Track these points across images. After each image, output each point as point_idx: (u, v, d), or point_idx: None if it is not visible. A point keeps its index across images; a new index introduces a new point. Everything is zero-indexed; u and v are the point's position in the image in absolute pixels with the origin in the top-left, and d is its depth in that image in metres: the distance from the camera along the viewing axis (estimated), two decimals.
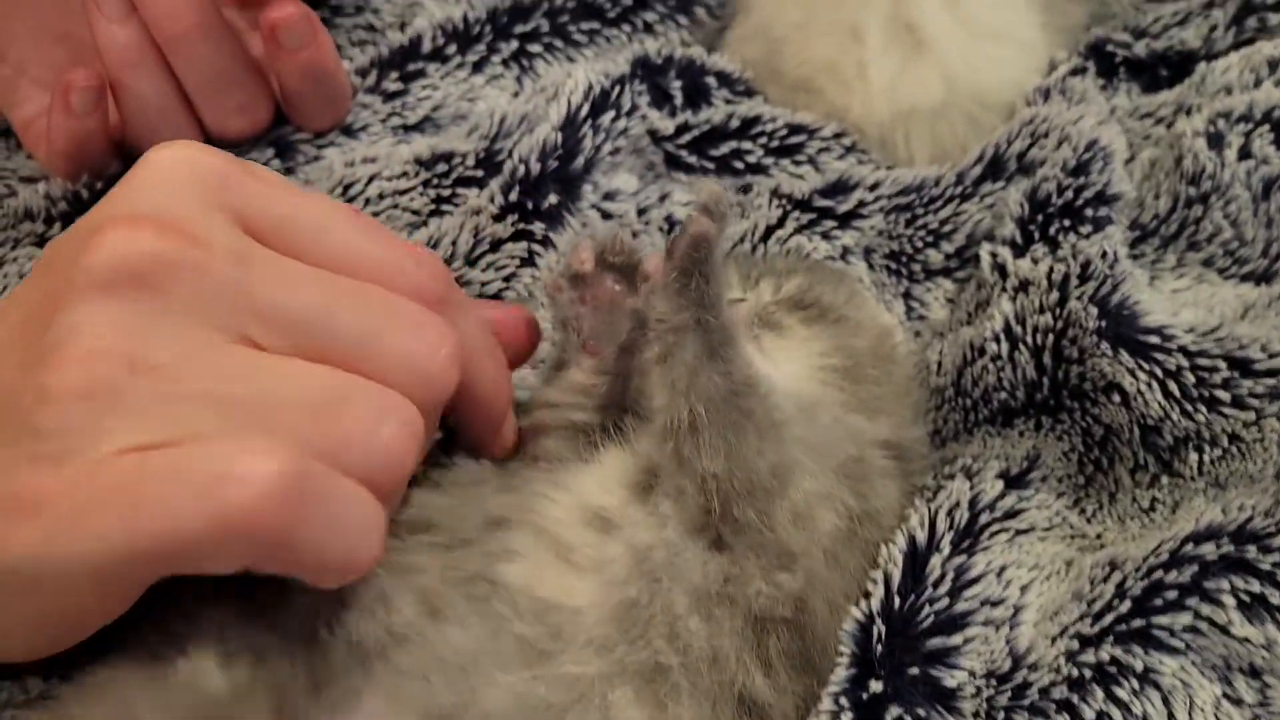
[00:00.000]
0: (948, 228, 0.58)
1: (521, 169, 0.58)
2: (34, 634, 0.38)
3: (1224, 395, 0.46)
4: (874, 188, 0.60)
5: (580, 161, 0.60)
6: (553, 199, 0.59)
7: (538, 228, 0.58)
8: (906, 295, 0.58)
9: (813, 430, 0.43)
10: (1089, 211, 0.53)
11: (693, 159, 0.64)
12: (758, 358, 0.47)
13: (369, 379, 0.38)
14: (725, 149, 0.64)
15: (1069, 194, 0.54)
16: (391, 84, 0.67)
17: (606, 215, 0.62)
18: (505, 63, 0.69)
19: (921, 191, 0.59)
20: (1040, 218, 0.54)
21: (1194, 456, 0.47)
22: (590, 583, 0.41)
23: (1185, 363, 0.47)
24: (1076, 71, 0.65)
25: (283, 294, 0.38)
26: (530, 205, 0.58)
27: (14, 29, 0.63)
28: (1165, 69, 0.67)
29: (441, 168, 0.61)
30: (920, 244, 0.58)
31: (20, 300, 0.39)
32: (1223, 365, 0.46)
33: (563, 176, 0.59)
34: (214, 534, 0.33)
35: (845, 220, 0.59)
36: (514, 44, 0.69)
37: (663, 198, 0.64)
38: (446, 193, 0.61)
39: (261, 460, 0.33)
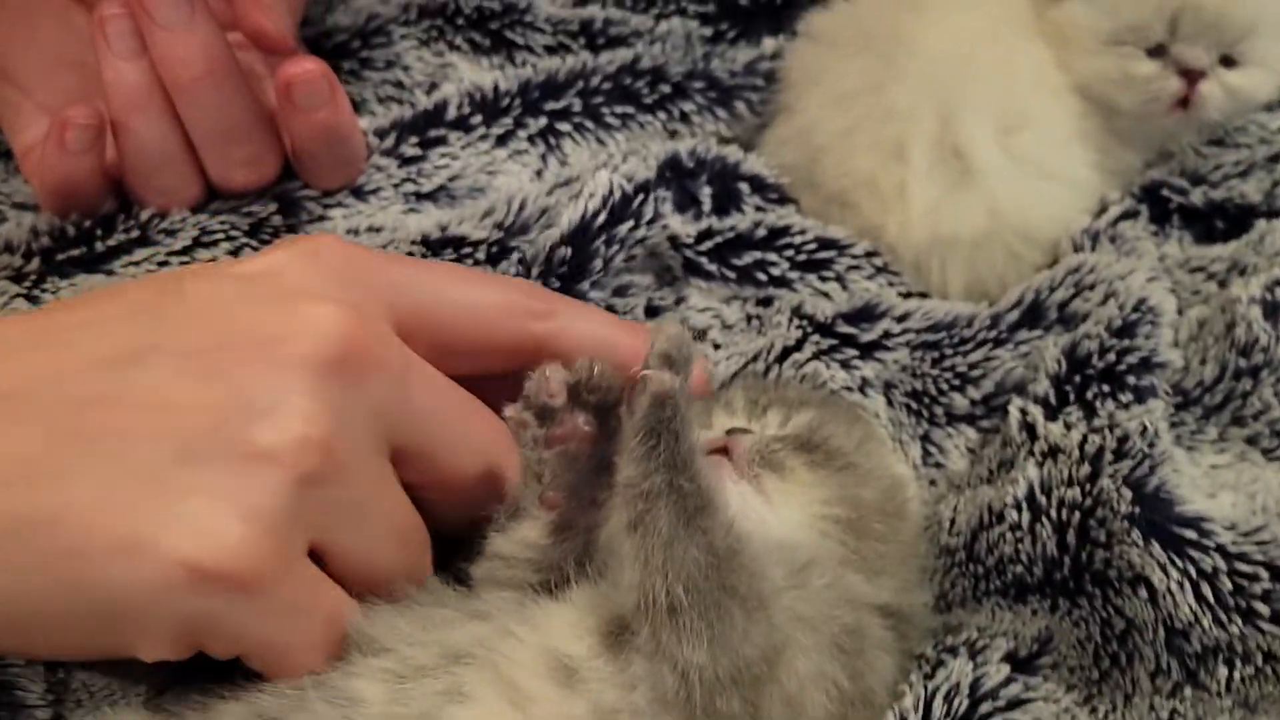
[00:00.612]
0: (977, 372, 0.54)
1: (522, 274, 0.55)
2: None
3: (1263, 608, 0.42)
4: (902, 319, 0.56)
5: (586, 284, 0.56)
6: None
7: None
8: (925, 439, 0.55)
9: (806, 599, 0.39)
10: (1131, 379, 0.49)
11: (713, 266, 0.61)
12: (754, 503, 0.43)
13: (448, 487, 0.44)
14: (749, 259, 0.60)
15: (1111, 356, 0.50)
16: (410, 148, 0.64)
17: (614, 313, 0.59)
18: (531, 139, 0.66)
19: (953, 330, 0.55)
20: (1078, 378, 0.50)
21: (1223, 671, 0.42)
22: None
23: (1223, 565, 0.43)
24: (1129, 215, 0.62)
25: (427, 404, 0.43)
26: None
27: (26, 52, 0.61)
28: (1222, 221, 0.63)
29: (449, 255, 0.58)
30: (946, 386, 0.54)
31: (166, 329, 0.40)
32: (1264, 574, 0.42)
33: (564, 292, 0.55)
34: None
35: (868, 350, 0.56)
36: (543, 120, 0.66)
37: (679, 300, 0.61)
38: None
39: None
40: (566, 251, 0.56)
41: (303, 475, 0.38)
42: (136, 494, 0.36)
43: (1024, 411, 0.50)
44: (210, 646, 0.39)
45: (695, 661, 0.37)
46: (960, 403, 0.54)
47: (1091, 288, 0.54)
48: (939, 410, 0.54)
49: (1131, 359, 0.50)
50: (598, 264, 0.57)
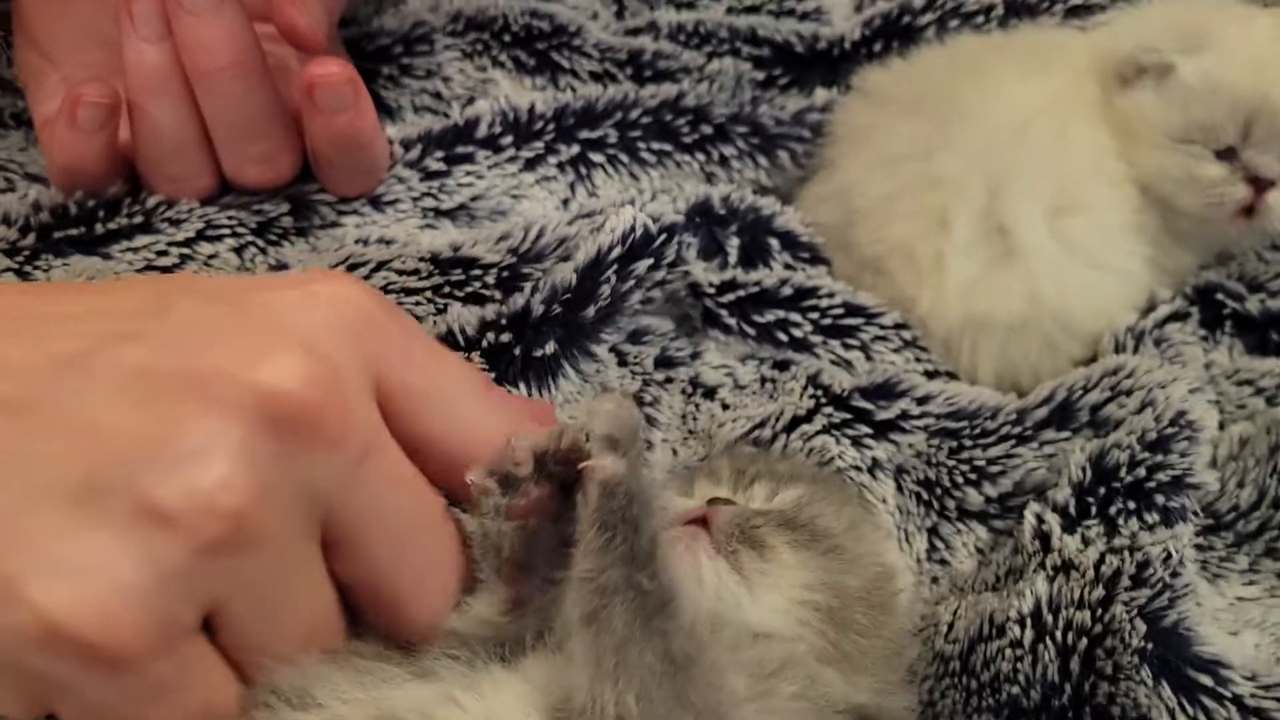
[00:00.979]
0: (996, 469, 0.51)
1: (520, 303, 0.53)
2: None
3: None
4: (924, 401, 0.53)
5: (591, 311, 0.53)
6: (549, 348, 0.52)
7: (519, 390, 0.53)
8: (932, 532, 0.51)
9: (770, 711, 0.36)
10: (1160, 498, 0.45)
11: (733, 320, 0.58)
12: (728, 583, 0.40)
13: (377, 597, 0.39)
14: (771, 317, 0.57)
15: (1141, 471, 0.46)
16: (435, 162, 0.62)
17: (623, 360, 0.56)
18: (562, 166, 0.63)
19: (976, 420, 0.52)
20: (1103, 490, 0.46)
21: None
22: None
23: (1238, 718, 0.39)
24: (1178, 316, 0.58)
25: (378, 501, 0.37)
26: (519, 351, 0.52)
27: (59, 23, 0.59)
28: (1277, 333, 0.59)
29: (457, 274, 0.55)
30: (961, 479, 0.51)
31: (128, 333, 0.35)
32: None
33: (568, 323, 0.53)
34: None
35: (883, 430, 0.52)
36: (575, 148, 0.63)
37: (695, 354, 0.58)
38: (457, 306, 0.55)
39: None
40: (572, 278, 0.53)
41: (202, 544, 0.33)
42: (19, 521, 0.32)
43: (1040, 519, 0.47)
44: (60, 712, 0.35)
45: None
46: (974, 499, 0.51)
47: (1129, 393, 0.50)
48: (951, 504, 0.51)
49: (1163, 476, 0.46)
50: (605, 291, 0.54)
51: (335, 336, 0.37)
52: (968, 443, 0.51)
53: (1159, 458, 0.47)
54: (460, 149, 0.62)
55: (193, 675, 0.35)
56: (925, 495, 0.51)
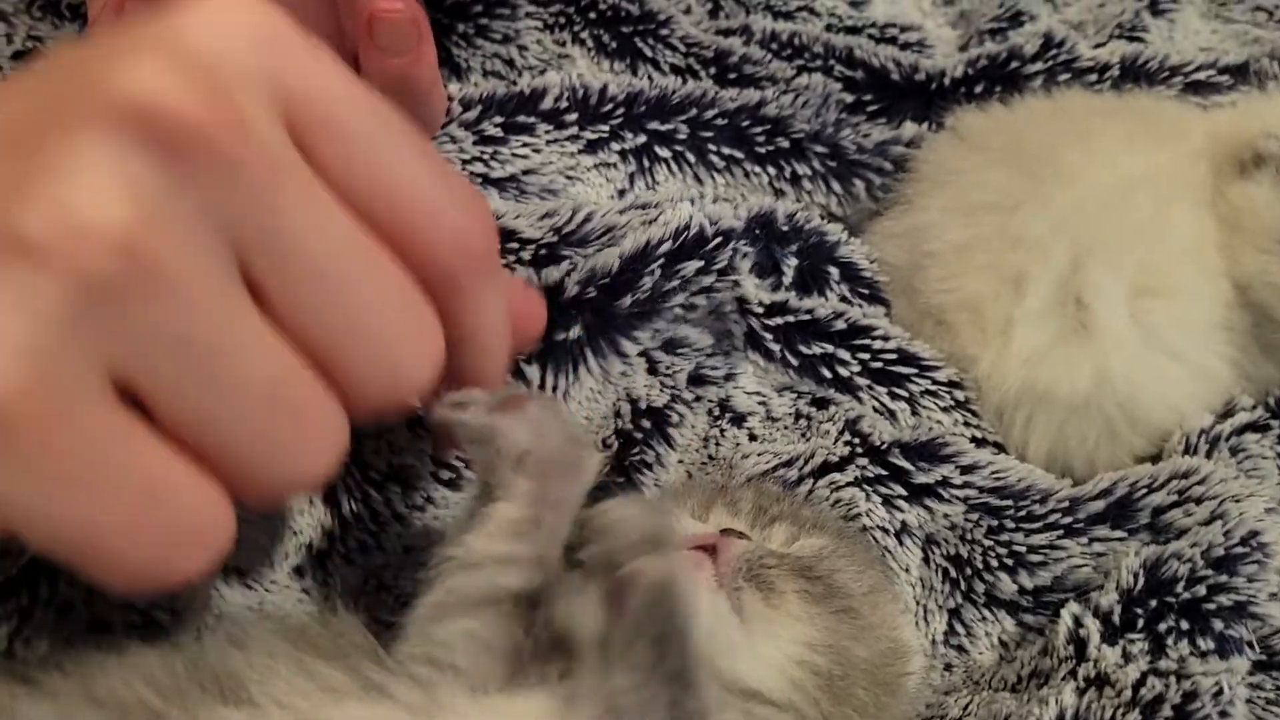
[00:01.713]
0: (1036, 558, 0.46)
1: (554, 277, 0.49)
2: None
3: None
4: (968, 470, 0.48)
5: (628, 301, 0.49)
6: (575, 332, 0.48)
7: (531, 371, 0.49)
8: (954, 614, 0.47)
9: None
10: (1219, 624, 0.41)
11: (776, 347, 0.53)
12: (727, 623, 0.36)
13: (331, 374, 0.31)
14: (818, 349, 0.53)
15: (1201, 589, 0.42)
16: (492, 128, 0.58)
17: (654, 368, 0.52)
18: (624, 154, 0.59)
19: (1022, 501, 0.47)
20: (1154, 602, 0.42)
21: None
22: None
23: None
24: (1257, 427, 0.53)
25: (302, 236, 0.31)
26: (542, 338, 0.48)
27: None
28: None
29: None
30: (995, 562, 0.46)
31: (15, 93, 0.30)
32: None
33: (600, 310, 0.49)
34: None
35: (919, 494, 0.48)
36: (642, 138, 0.59)
37: (729, 376, 0.53)
38: None
39: None
40: (615, 263, 0.49)
41: (86, 281, 0.27)
42: None
43: (1079, 621, 0.42)
44: None
45: None
46: (1007, 586, 0.46)
47: (1198, 501, 0.45)
48: (980, 587, 0.46)
49: (1225, 600, 0.41)
50: (646, 284, 0.50)
51: (224, 44, 0.30)
52: (1010, 524, 0.47)
53: (1223, 578, 0.42)
54: (521, 118, 0.58)
55: (114, 457, 0.29)
56: (953, 573, 0.47)
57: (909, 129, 0.64)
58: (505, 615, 0.35)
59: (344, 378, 0.32)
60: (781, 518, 0.42)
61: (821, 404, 0.53)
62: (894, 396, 0.53)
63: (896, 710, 0.39)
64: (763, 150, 0.60)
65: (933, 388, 0.54)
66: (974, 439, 0.53)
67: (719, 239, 0.52)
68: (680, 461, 0.51)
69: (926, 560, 0.47)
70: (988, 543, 0.46)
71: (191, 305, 0.29)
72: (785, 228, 0.55)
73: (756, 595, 0.37)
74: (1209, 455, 0.50)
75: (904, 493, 0.48)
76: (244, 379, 0.30)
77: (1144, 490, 0.46)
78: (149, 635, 0.37)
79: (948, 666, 0.46)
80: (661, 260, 0.50)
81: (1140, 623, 0.41)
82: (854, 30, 0.71)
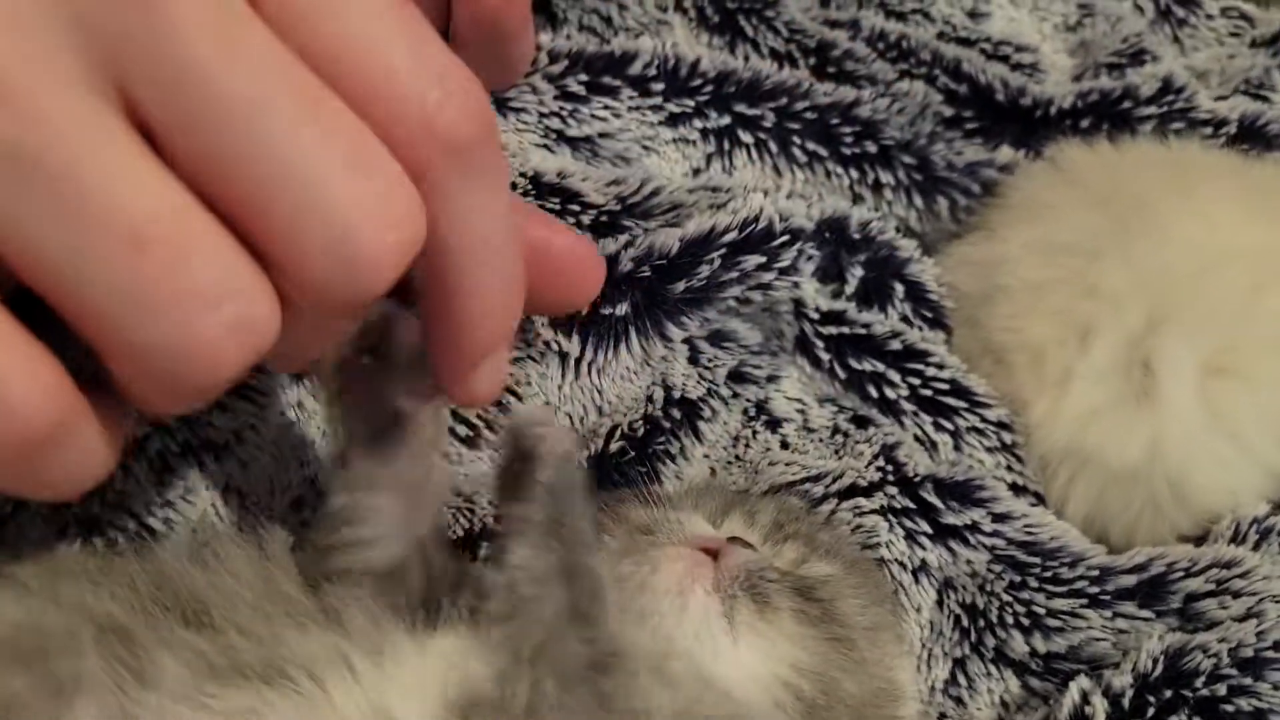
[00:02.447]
0: (1054, 623, 0.44)
1: (610, 249, 0.48)
2: None
3: None
4: (1000, 518, 0.46)
5: (681, 286, 0.48)
6: (622, 309, 0.47)
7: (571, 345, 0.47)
8: (959, 664, 0.45)
9: None
10: None
11: (827, 356, 0.51)
12: (714, 628, 0.35)
13: (256, 235, 0.26)
14: (869, 366, 0.51)
15: (1222, 688, 0.39)
16: (576, 84, 0.56)
17: (695, 358, 0.50)
18: (705, 133, 0.57)
19: (1051, 560, 0.45)
20: (1169, 693, 0.39)
21: None
22: None
23: None
24: None
25: (210, 61, 0.25)
26: (588, 310, 0.47)
27: None
28: None
29: (554, 203, 0.50)
30: (1011, 619, 0.44)
31: None
32: None
33: (652, 290, 0.47)
34: None
35: (944, 534, 0.46)
36: (726, 119, 0.57)
37: (772, 378, 0.51)
38: None
39: None
40: (675, 245, 0.48)
41: None
42: None
43: (1086, 698, 0.40)
44: None
45: None
46: (1019, 646, 0.44)
47: (1236, 595, 0.43)
48: (990, 642, 0.44)
49: (1245, 704, 0.39)
50: (703, 272, 0.49)
51: None
52: (1033, 582, 0.44)
53: (1247, 680, 0.39)
54: (606, 79, 0.57)
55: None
56: (966, 621, 0.45)
57: (1005, 153, 0.62)
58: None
59: (275, 246, 0.26)
60: (796, 536, 0.40)
61: (862, 423, 0.51)
62: (939, 428, 0.51)
63: None
64: (848, 152, 0.58)
65: (980, 425, 0.52)
66: (1013, 485, 0.51)
67: (786, 237, 0.50)
68: (706, 456, 0.49)
69: (940, 604, 0.45)
70: (1007, 597, 0.44)
71: (39, 129, 0.24)
72: (857, 235, 0.53)
73: (751, 607, 0.36)
74: (1256, 547, 0.47)
75: (929, 530, 0.46)
76: (98, 219, 0.25)
77: (1180, 573, 0.44)
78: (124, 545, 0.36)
79: (942, 716, 0.44)
80: (723, 250, 0.49)
81: (1151, 711, 0.39)
82: (966, 42, 0.69)
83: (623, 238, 0.49)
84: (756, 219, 0.50)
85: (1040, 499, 0.52)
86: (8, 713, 0.30)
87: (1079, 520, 0.51)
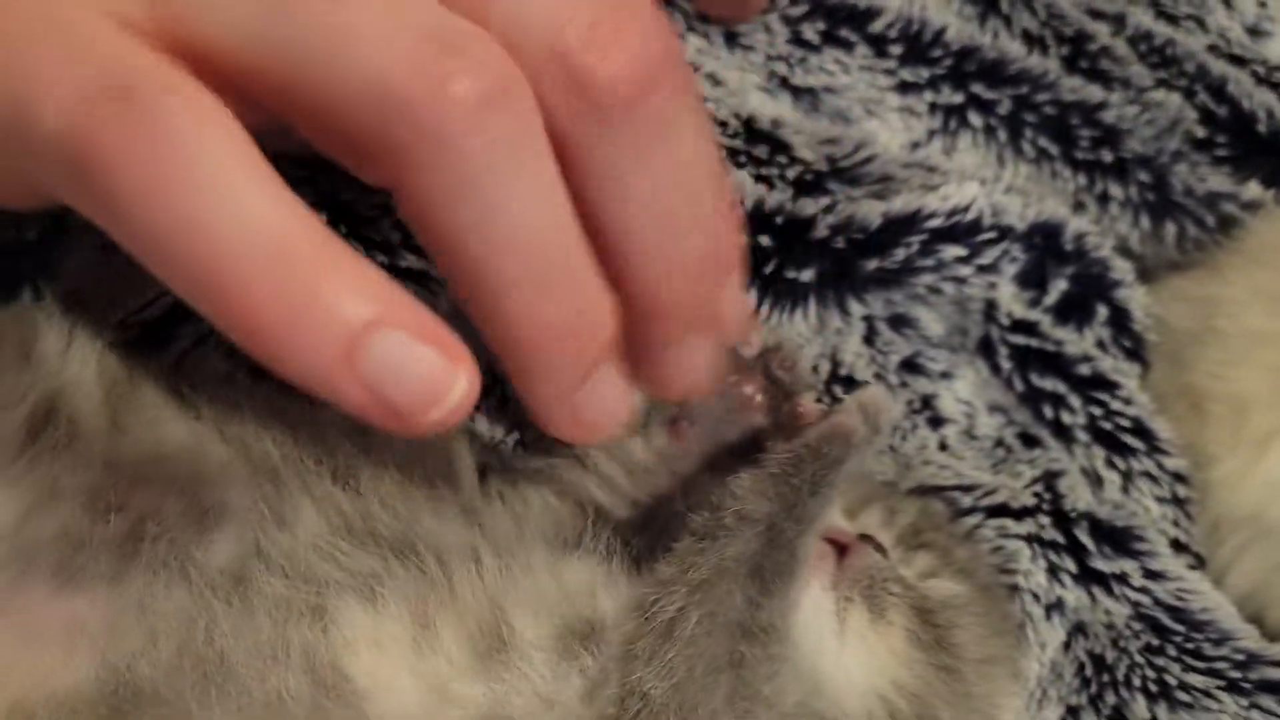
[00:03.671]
0: (1184, 697, 0.41)
1: (808, 211, 0.46)
2: None
3: None
4: (1154, 576, 0.44)
5: (873, 265, 0.46)
6: (806, 275, 0.45)
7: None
8: (1073, 712, 0.43)
9: None
10: None
11: (1009, 364, 0.49)
12: (825, 623, 0.34)
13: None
14: (1050, 386, 0.48)
15: None
16: (811, 32, 0.54)
17: (870, 339, 0.48)
18: (934, 107, 0.55)
19: (1196, 632, 0.42)
20: None
21: None
22: (409, 701, 0.30)
23: None
24: None
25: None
26: (774, 262, 0.46)
27: None
28: None
29: (761, 150, 0.49)
30: (1139, 682, 0.42)
31: None
32: None
33: (842, 262, 0.46)
34: None
35: (1089, 578, 0.44)
36: (959, 97, 0.54)
37: (945, 375, 0.49)
38: (744, 175, 0.48)
39: None
40: (876, 220, 0.47)
41: None
42: None
43: None
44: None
45: (649, 689, 0.30)
46: (1140, 713, 0.42)
47: None
48: (1110, 699, 0.42)
49: None
50: (899, 255, 0.47)
51: None
52: (1172, 650, 0.42)
53: None
54: (844, 32, 0.54)
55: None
56: (1089, 671, 0.43)
57: (1252, 189, 0.57)
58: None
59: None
60: (932, 547, 0.39)
61: (1029, 441, 0.48)
62: (1110, 465, 0.48)
63: None
64: (1081, 156, 0.55)
65: (1156, 472, 0.48)
66: (1175, 542, 0.48)
67: (994, 233, 0.48)
68: None
69: (1067, 646, 0.43)
70: (1140, 659, 0.42)
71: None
72: (1069, 246, 0.50)
73: (865, 614, 0.35)
74: None
75: (1074, 570, 0.44)
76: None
77: None
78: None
79: None
80: (925, 235, 0.47)
81: None
82: (1239, 60, 0.63)
83: (823, 200, 0.47)
84: (966, 209, 0.47)
85: (1200, 561, 0.49)
86: (144, 527, 0.31)
87: (1238, 595, 0.48)
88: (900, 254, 0.47)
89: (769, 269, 0.47)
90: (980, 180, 0.50)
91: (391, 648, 0.30)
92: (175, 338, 0.41)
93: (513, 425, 0.45)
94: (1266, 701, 0.41)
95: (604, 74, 0.25)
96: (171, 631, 0.30)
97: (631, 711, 0.30)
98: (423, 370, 0.24)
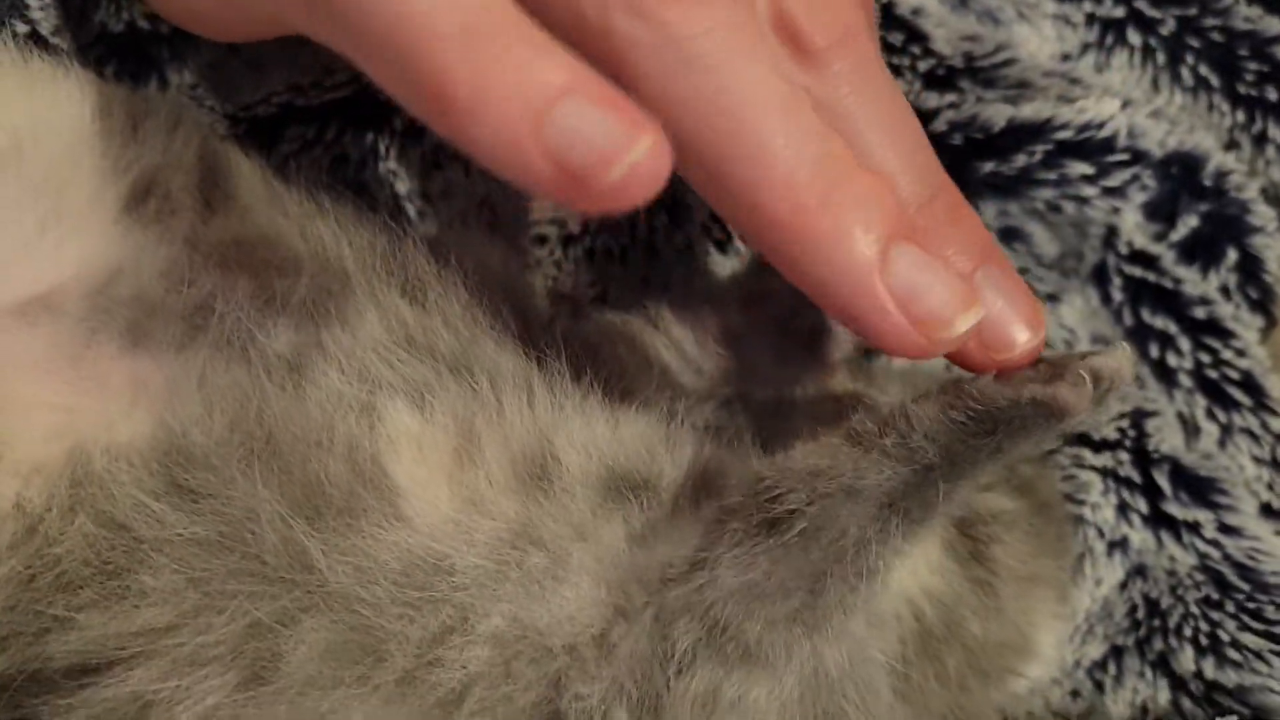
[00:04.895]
0: (1235, 655, 0.40)
1: (929, 104, 0.45)
2: None
3: None
4: (1227, 530, 0.42)
5: (988, 168, 0.45)
6: None
7: None
8: (1116, 652, 0.42)
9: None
10: None
11: (1120, 296, 0.47)
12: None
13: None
14: (1160, 324, 0.46)
15: None
16: None
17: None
18: (1092, 19, 0.51)
19: (1260, 594, 0.41)
20: None
21: None
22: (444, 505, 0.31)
23: None
24: None
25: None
26: None
27: None
28: None
29: (895, 37, 0.47)
30: (1190, 633, 0.41)
31: None
32: None
33: (956, 156, 0.44)
34: None
35: (1160, 521, 0.42)
36: (1120, 11, 0.51)
37: (1051, 297, 0.48)
38: None
39: None
40: (999, 124, 0.45)
41: None
42: None
43: None
44: None
45: (719, 595, 0.29)
46: (1186, 664, 0.40)
47: None
48: (1158, 645, 0.41)
49: None
50: (1018, 160, 0.45)
51: None
52: (1231, 607, 0.40)
53: None
54: None
55: None
56: (1141, 614, 0.41)
57: None
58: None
59: None
60: (1023, 483, 0.38)
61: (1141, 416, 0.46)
62: (1210, 416, 0.46)
63: (984, 699, 0.36)
64: (1244, 91, 0.51)
65: (1259, 431, 0.46)
66: (1266, 506, 0.46)
67: (1126, 155, 0.45)
68: None
69: (1124, 586, 0.42)
70: (1196, 610, 0.41)
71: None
72: (1208, 182, 0.47)
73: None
74: None
75: (1145, 512, 0.42)
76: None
77: None
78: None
79: (1074, 693, 0.41)
80: (1051, 147, 0.45)
81: None
82: None
83: (949, 97, 0.45)
84: (1101, 125, 0.45)
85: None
86: (214, 304, 0.32)
87: None
88: (1020, 160, 0.45)
89: None
90: (1124, 101, 0.47)
91: (433, 454, 0.31)
92: (281, 139, 0.42)
93: (596, 279, 0.45)
94: None
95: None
96: (226, 406, 0.31)
97: (695, 583, 0.29)
98: (603, 132, 0.25)
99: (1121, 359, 0.29)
